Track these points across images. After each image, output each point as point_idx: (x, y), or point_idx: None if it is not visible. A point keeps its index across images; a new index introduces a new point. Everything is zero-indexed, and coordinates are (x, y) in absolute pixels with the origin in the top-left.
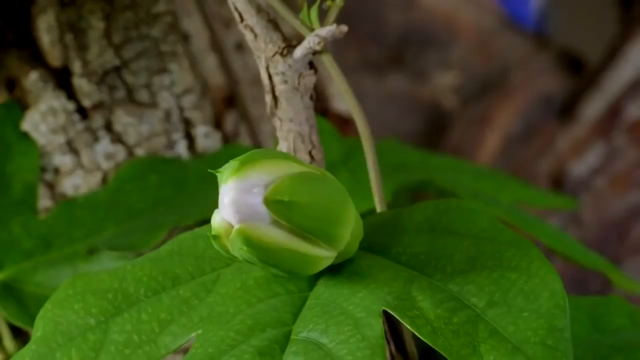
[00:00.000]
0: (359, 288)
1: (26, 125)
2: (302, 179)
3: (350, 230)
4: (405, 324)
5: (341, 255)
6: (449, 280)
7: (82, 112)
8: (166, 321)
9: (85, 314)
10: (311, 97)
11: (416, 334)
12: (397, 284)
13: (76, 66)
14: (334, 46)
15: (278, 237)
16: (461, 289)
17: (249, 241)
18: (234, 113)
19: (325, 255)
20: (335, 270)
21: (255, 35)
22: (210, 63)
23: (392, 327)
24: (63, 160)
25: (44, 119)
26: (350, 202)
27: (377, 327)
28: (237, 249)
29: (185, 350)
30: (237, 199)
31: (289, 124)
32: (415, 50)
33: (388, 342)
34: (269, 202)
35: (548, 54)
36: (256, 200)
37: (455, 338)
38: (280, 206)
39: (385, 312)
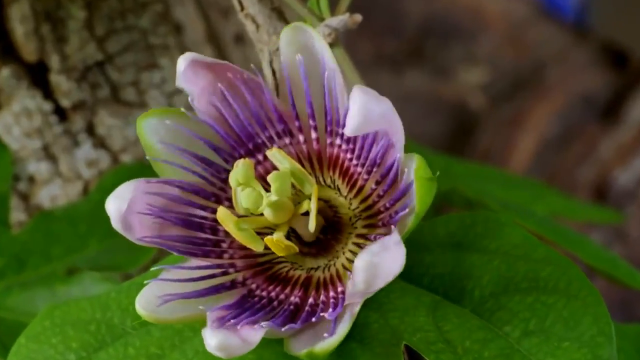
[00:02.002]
0: (376, 317)
1: None
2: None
3: None
4: None
5: None
6: (478, 306)
7: (61, 113)
8: (156, 356)
9: (65, 348)
10: None
11: None
12: (419, 312)
13: (54, 61)
14: (346, 38)
15: (333, 342)
16: (492, 315)
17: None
18: None
19: None
20: None
21: (257, 26)
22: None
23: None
24: (39, 168)
25: (17, 120)
26: None
27: None
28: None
29: None
30: (223, 343)
31: None
32: (438, 43)
33: None
34: (419, 178)
35: (589, 48)
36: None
37: None
38: (428, 183)
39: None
